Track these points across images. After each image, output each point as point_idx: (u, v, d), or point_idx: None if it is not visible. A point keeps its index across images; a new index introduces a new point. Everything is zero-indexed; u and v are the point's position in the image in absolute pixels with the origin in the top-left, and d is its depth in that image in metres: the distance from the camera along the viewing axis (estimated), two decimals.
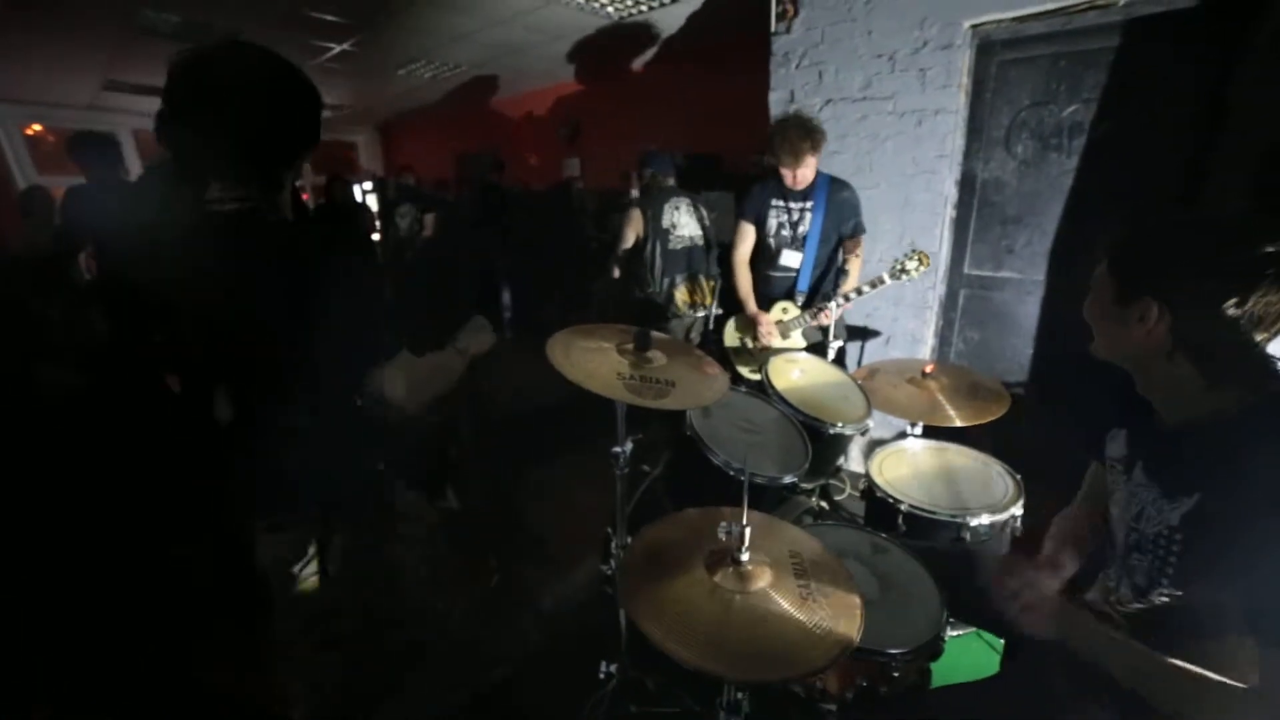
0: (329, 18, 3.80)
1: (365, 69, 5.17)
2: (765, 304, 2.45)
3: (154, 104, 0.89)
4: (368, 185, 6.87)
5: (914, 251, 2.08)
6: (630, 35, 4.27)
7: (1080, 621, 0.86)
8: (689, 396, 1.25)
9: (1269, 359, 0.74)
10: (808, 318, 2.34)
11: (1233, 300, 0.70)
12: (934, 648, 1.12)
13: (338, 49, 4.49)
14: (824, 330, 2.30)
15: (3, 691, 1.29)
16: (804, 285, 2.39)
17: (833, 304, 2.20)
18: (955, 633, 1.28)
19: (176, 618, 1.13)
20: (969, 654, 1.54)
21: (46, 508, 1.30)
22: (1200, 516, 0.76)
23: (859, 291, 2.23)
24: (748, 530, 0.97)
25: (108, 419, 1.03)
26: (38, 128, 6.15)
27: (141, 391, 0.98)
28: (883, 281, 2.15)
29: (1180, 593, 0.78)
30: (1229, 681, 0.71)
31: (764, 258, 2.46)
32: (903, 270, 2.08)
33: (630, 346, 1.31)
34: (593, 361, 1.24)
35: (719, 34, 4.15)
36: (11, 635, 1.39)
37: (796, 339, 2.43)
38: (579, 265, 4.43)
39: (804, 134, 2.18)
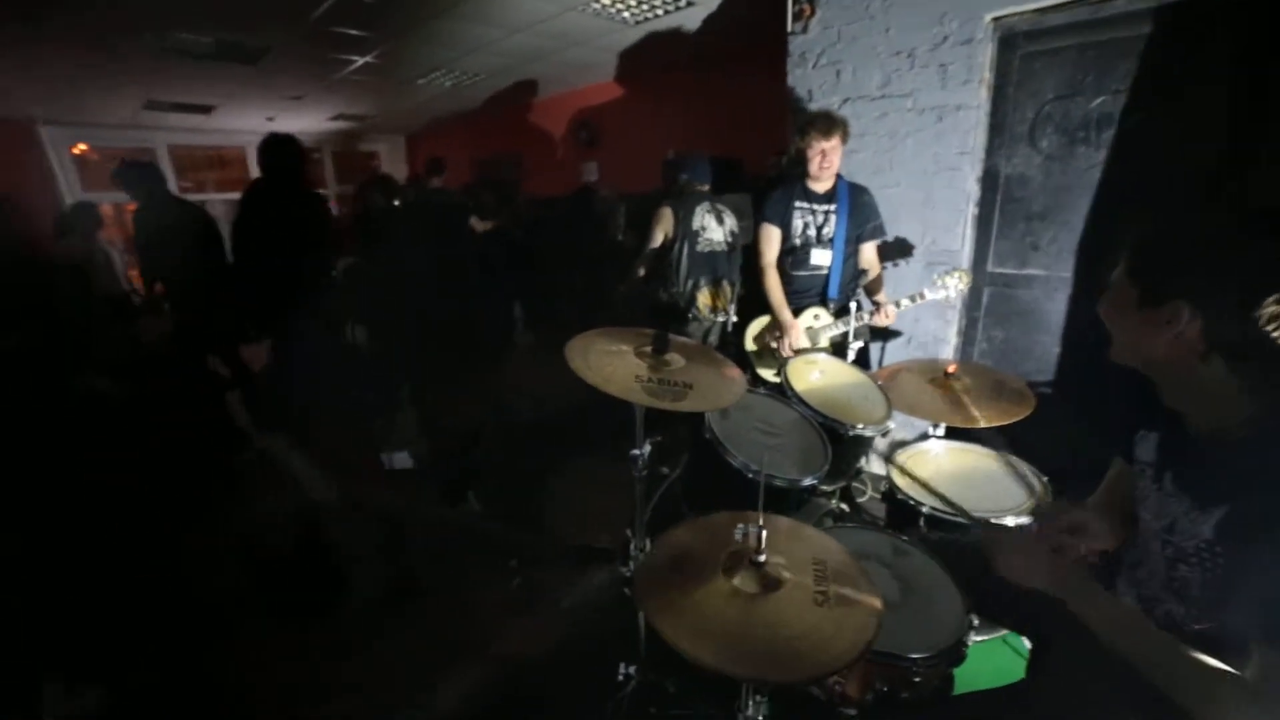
0: (353, 32, 3.90)
1: (387, 80, 5.29)
2: (795, 306, 2.42)
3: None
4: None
5: (955, 269, 2.14)
6: (647, 39, 4.29)
7: (1087, 587, 0.85)
8: (707, 399, 1.25)
9: None
10: (841, 325, 2.34)
11: (1272, 298, 0.67)
12: (956, 653, 1.11)
13: (361, 61, 4.60)
14: (844, 331, 2.29)
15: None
16: (834, 285, 2.38)
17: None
18: (979, 638, 1.25)
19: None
20: (993, 660, 1.51)
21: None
22: (1233, 525, 0.74)
23: (897, 304, 2.26)
24: (764, 532, 0.97)
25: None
26: (83, 147, 6.42)
27: None
28: (923, 297, 2.19)
29: (1226, 603, 0.76)
30: (1223, 666, 0.70)
31: (791, 260, 2.43)
32: (944, 287, 2.14)
33: (649, 349, 1.32)
34: (611, 365, 1.25)
35: (736, 36, 4.14)
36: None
37: (825, 344, 2.40)
38: (600, 268, 4.45)
39: (836, 117, 2.22)
